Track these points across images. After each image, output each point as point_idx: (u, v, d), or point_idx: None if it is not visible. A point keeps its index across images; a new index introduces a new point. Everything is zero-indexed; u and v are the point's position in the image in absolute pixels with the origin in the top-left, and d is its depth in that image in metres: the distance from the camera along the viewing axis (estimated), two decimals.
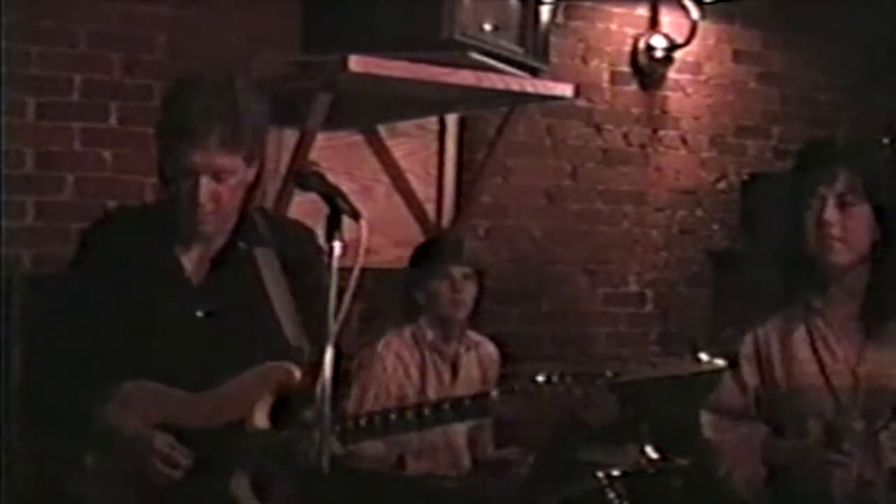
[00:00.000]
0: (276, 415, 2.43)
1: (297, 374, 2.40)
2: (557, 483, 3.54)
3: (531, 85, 3.80)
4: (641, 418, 3.65)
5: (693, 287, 5.10)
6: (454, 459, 3.60)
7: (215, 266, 2.50)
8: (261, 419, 2.40)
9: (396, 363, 3.53)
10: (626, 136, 4.93)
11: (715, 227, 5.15)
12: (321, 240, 2.15)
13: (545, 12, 3.78)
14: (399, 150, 4.29)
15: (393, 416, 2.41)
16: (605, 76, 4.86)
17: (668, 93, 5.02)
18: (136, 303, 2.45)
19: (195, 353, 2.44)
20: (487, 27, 3.53)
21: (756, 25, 5.22)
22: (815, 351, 2.58)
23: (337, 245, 2.12)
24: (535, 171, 4.69)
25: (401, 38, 3.47)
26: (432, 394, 3.55)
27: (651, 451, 3.60)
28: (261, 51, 3.86)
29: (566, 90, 3.95)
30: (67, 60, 3.69)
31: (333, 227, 2.15)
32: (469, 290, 3.61)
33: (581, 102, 4.62)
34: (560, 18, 4.54)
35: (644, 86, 4.95)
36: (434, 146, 4.39)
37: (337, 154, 4.03)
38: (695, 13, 4.84)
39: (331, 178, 2.28)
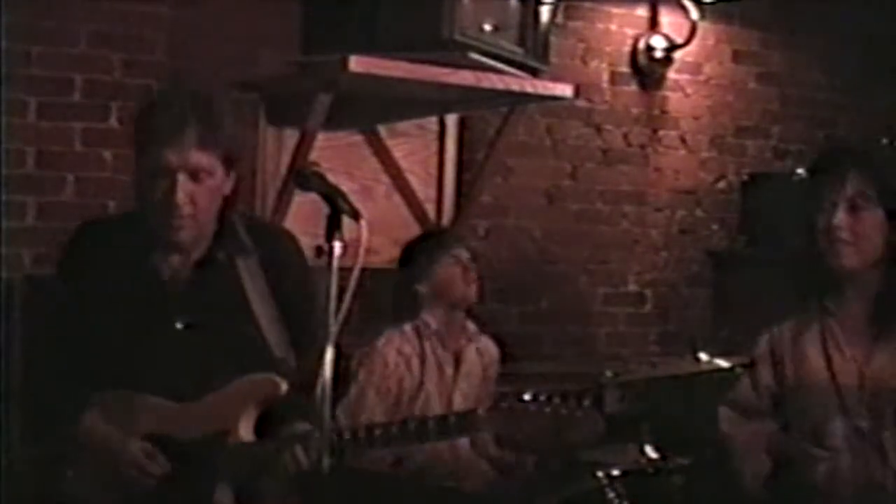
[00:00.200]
0: (260, 427, 2.41)
1: (283, 386, 2.39)
2: (557, 483, 3.54)
3: (531, 85, 3.81)
4: (641, 418, 3.66)
5: (693, 287, 5.10)
6: (455, 457, 3.60)
7: (196, 275, 2.48)
8: (246, 431, 2.39)
9: (398, 359, 3.53)
10: (625, 136, 4.93)
11: (715, 227, 5.15)
12: (303, 244, 2.15)
13: (545, 12, 3.79)
14: (399, 150, 4.28)
15: (377, 432, 2.40)
16: (605, 76, 4.87)
17: (668, 93, 5.02)
18: (116, 312, 2.43)
19: (176, 363, 2.42)
20: (487, 27, 3.53)
21: (756, 25, 5.22)
22: (825, 351, 2.60)
23: (337, 245, 2.12)
24: (535, 171, 4.69)
25: (401, 39, 3.47)
26: (435, 388, 3.56)
27: (651, 451, 3.60)
28: (261, 51, 3.87)
29: (566, 90, 3.95)
30: (68, 60, 3.69)
31: (333, 227, 2.15)
32: (475, 274, 3.64)
33: (581, 102, 4.62)
34: (560, 19, 4.54)
35: (644, 86, 4.96)
36: (434, 146, 4.39)
37: (337, 154, 4.03)
38: (694, 13, 4.84)
39: (331, 178, 2.28)
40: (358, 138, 4.20)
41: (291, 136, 3.83)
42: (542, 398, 2.32)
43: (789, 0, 5.24)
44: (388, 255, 3.80)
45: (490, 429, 2.49)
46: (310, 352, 2.47)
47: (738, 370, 3.69)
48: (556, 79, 4.02)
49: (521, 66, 3.74)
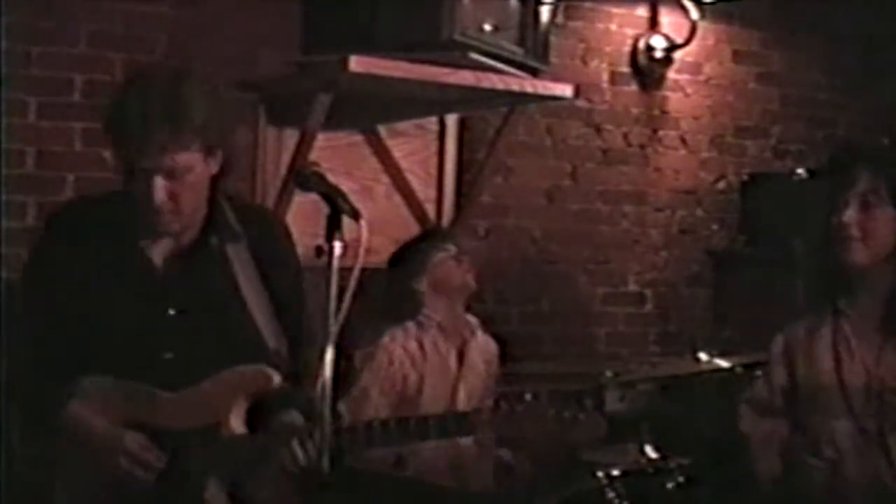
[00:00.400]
0: (250, 418, 2.37)
1: (276, 378, 2.35)
2: (557, 483, 3.54)
3: (531, 85, 3.81)
4: (641, 418, 3.66)
5: (693, 287, 5.10)
6: (456, 457, 3.60)
7: (186, 261, 2.43)
8: (237, 424, 2.35)
9: (402, 355, 3.55)
10: (625, 136, 4.93)
11: (715, 227, 5.15)
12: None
13: (545, 12, 3.79)
14: (399, 150, 4.28)
15: (376, 429, 2.39)
16: (605, 76, 4.86)
17: (668, 93, 5.02)
18: (101, 296, 2.37)
19: (164, 350, 2.37)
20: (487, 27, 3.53)
21: (756, 25, 5.22)
22: (835, 351, 2.60)
23: (337, 245, 2.12)
24: (535, 171, 4.69)
25: (401, 39, 3.47)
26: (438, 383, 3.58)
27: (651, 451, 3.60)
28: (261, 51, 3.87)
29: (566, 90, 3.96)
30: (68, 60, 3.68)
31: (333, 227, 2.15)
32: (468, 263, 3.67)
33: (581, 102, 4.62)
34: (560, 19, 4.54)
35: (644, 86, 4.95)
36: (434, 146, 4.39)
37: (337, 154, 4.03)
38: (694, 13, 4.84)
39: (331, 178, 2.28)
40: (358, 138, 4.20)
41: (291, 136, 3.83)
42: (543, 398, 2.32)
43: (789, 0, 5.23)
44: (388, 255, 3.80)
45: (492, 429, 2.49)
46: (301, 339, 2.47)
47: (738, 370, 3.70)
48: (556, 79, 4.02)
49: (521, 66, 3.74)
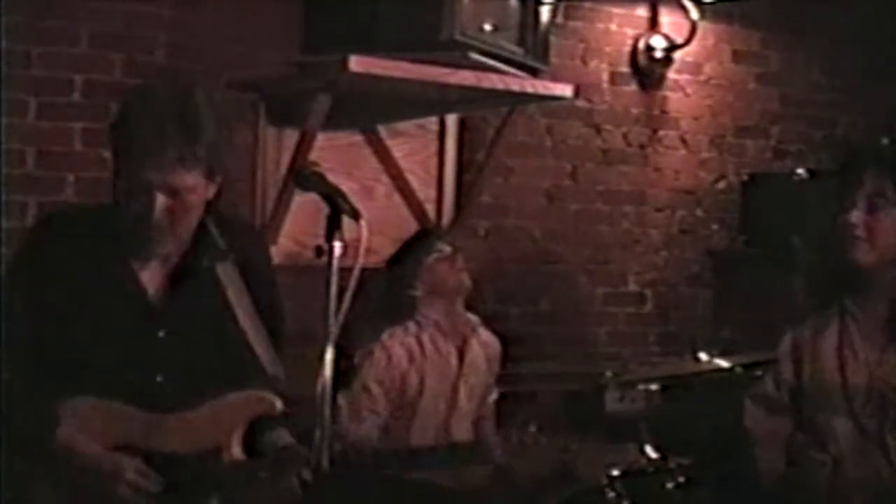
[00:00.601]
0: (245, 440, 2.35)
1: (279, 404, 2.32)
2: (557, 483, 3.54)
3: (531, 85, 3.80)
4: (641, 418, 3.66)
5: (693, 287, 5.10)
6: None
7: (176, 283, 2.39)
8: (237, 449, 2.32)
9: (402, 354, 3.57)
10: (625, 136, 4.93)
11: (715, 227, 5.14)
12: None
13: (545, 12, 3.79)
14: (399, 150, 4.28)
15: (383, 457, 2.37)
16: (605, 76, 4.86)
17: (668, 93, 5.02)
18: (87, 316, 2.32)
19: (155, 373, 2.34)
20: (487, 27, 3.53)
21: (756, 25, 5.22)
22: (840, 351, 2.62)
23: (337, 245, 2.12)
24: (535, 171, 4.69)
25: (401, 39, 3.47)
26: (439, 382, 3.58)
27: (651, 451, 3.60)
28: (261, 51, 3.87)
29: (566, 90, 3.95)
30: (68, 60, 3.68)
31: (333, 227, 2.15)
32: (461, 263, 3.68)
33: (581, 102, 4.62)
34: (560, 19, 4.54)
35: (644, 86, 4.95)
36: (434, 146, 4.39)
37: (337, 154, 4.03)
38: (694, 13, 4.84)
39: (331, 178, 2.28)
40: (358, 138, 4.20)
41: (291, 136, 3.82)
42: (550, 433, 2.31)
43: (789, 0, 5.23)
44: (388, 255, 3.80)
45: (499, 460, 2.49)
46: (281, 347, 2.45)
47: (738, 370, 3.71)
48: (556, 79, 4.02)
49: (521, 66, 3.74)
